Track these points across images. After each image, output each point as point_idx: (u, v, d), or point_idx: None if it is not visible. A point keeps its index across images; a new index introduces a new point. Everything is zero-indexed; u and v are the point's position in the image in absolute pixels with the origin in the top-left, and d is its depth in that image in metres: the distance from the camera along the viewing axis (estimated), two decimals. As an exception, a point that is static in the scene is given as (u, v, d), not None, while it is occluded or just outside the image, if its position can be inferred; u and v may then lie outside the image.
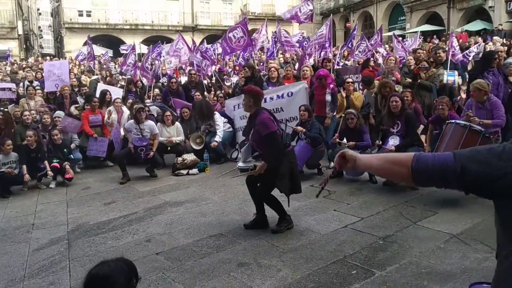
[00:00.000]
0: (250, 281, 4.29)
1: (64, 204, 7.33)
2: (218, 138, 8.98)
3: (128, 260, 2.44)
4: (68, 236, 5.87)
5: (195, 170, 8.61)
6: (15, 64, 22.98)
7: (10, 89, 11.26)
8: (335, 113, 8.68)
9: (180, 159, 8.65)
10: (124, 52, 15.67)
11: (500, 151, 1.50)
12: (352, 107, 8.57)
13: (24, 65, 22.24)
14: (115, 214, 6.60)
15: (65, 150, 8.62)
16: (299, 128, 7.72)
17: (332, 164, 8.08)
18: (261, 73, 10.48)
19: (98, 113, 9.74)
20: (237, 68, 15.12)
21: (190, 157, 8.70)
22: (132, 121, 8.65)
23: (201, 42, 31.07)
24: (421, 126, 8.08)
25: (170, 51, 14.48)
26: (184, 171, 8.57)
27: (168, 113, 9.32)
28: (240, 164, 5.79)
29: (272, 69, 10.49)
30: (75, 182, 8.49)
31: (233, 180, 7.16)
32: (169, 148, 9.08)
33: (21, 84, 13.56)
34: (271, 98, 8.80)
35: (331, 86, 8.60)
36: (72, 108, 10.28)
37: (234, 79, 13.26)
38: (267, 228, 5.56)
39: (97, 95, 10.64)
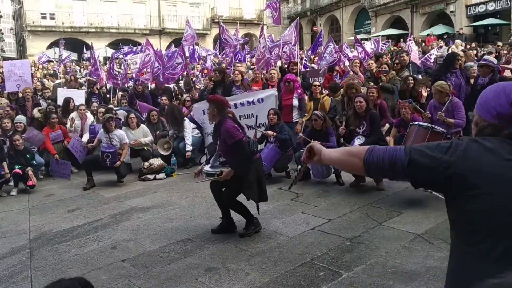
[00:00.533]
0: (218, 286, 4.25)
1: (26, 212, 7.11)
2: (188, 148, 8.94)
3: (87, 280, 2.38)
4: (30, 245, 5.68)
5: (162, 175, 8.50)
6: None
7: None
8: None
9: (146, 164, 8.52)
10: (86, 56, 15.39)
11: (447, 146, 1.59)
12: (320, 110, 8.65)
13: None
14: (79, 221, 6.44)
15: (27, 155, 8.36)
16: (270, 132, 7.72)
17: (300, 167, 8.13)
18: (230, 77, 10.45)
19: (58, 129, 9.44)
20: (205, 71, 15.05)
21: (157, 161, 8.59)
22: (102, 130, 8.48)
23: (169, 46, 30.87)
24: (387, 125, 8.21)
25: (141, 61, 14.22)
26: (151, 176, 8.45)
27: (132, 115, 9.16)
28: (207, 168, 5.74)
29: (236, 72, 10.48)
30: (38, 189, 8.25)
31: (200, 184, 7.09)
32: (147, 148, 8.91)
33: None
34: (242, 104, 8.77)
35: (299, 91, 8.66)
36: (35, 111, 9.98)
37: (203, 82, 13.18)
38: (235, 231, 5.53)
39: (59, 100, 10.38)
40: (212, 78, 9.49)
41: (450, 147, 1.58)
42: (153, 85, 12.52)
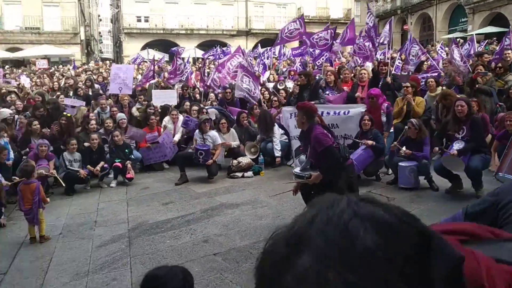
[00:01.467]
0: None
1: (124, 203, 7.58)
2: (278, 153, 9.11)
3: (187, 270, 2.50)
4: (129, 234, 6.05)
5: (250, 173, 8.66)
6: (79, 69, 24.06)
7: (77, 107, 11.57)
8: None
9: (235, 161, 8.73)
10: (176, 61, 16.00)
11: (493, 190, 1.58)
12: (413, 113, 8.34)
13: (89, 69, 23.29)
14: (173, 214, 6.75)
15: (126, 150, 8.93)
16: (369, 142, 7.52)
17: (390, 171, 7.90)
18: (317, 77, 10.37)
19: (155, 131, 9.98)
20: (292, 73, 15.07)
21: (245, 160, 8.77)
22: (197, 130, 8.86)
23: (255, 47, 31.37)
24: (489, 136, 7.75)
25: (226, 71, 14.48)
26: (239, 174, 8.64)
27: (223, 120, 9.45)
28: (297, 170, 5.76)
29: (329, 73, 10.37)
30: (135, 182, 8.76)
31: (288, 184, 7.11)
32: (226, 152, 9.17)
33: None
34: (328, 113, 8.65)
35: (384, 105, 8.37)
36: (134, 110, 10.58)
37: (289, 84, 13.18)
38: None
39: (153, 101, 10.89)
40: (298, 83, 9.44)
41: (495, 190, 1.56)
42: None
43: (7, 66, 26.17)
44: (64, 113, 9.66)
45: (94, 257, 5.41)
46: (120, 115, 9.97)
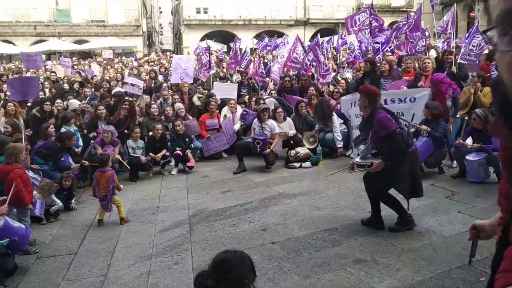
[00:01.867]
0: (367, 278, 4.19)
1: (185, 190, 7.79)
2: (339, 144, 8.97)
3: (249, 256, 2.54)
4: (190, 220, 6.22)
5: (308, 164, 8.62)
6: (141, 60, 24.85)
7: (138, 85, 12.07)
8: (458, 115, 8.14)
9: (293, 152, 8.72)
10: (234, 46, 16.05)
11: None
12: (479, 104, 7.95)
13: (150, 60, 24.01)
14: (231, 202, 6.86)
15: (186, 139, 9.15)
16: (423, 127, 7.31)
17: (455, 163, 7.59)
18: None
19: (215, 117, 10.14)
20: (351, 64, 14.76)
21: (303, 150, 8.73)
22: (256, 119, 8.93)
23: (313, 36, 31.01)
24: None
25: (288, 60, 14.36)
26: (297, 164, 8.62)
27: (280, 109, 9.41)
28: (357, 159, 5.66)
29: (384, 62, 10.05)
30: (195, 170, 8.97)
31: (347, 175, 7.03)
32: (291, 142, 9.15)
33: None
34: (392, 101, 8.41)
35: (451, 89, 7.98)
36: (195, 98, 10.78)
37: (348, 74, 12.94)
38: (383, 229, 5.35)
39: (213, 91, 11.08)
40: (362, 69, 9.22)
41: None
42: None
43: (74, 58, 27.49)
44: (126, 98, 10.04)
45: (157, 241, 5.62)
46: (178, 105, 10.20)
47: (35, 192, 6.27)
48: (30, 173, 6.68)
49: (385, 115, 5.09)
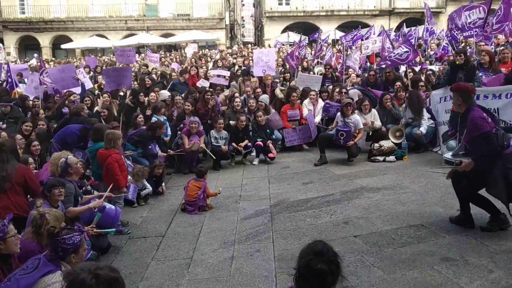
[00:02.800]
0: (456, 278, 4.02)
1: (266, 180, 7.89)
2: (423, 129, 8.54)
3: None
4: (271, 210, 6.31)
5: (392, 157, 8.36)
6: (223, 52, 25.39)
7: (224, 76, 12.38)
8: None
9: (377, 145, 8.50)
10: (316, 39, 15.86)
11: None
12: None
13: (234, 52, 24.53)
14: (313, 194, 6.85)
15: (267, 130, 9.25)
16: None
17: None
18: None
19: (297, 108, 10.12)
20: (439, 56, 14.05)
21: (387, 143, 8.48)
22: (339, 113, 8.84)
23: (398, 27, 29.89)
24: None
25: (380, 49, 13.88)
26: (381, 158, 8.40)
27: (366, 102, 9.18)
28: (447, 155, 5.41)
29: (483, 53, 9.41)
30: (276, 161, 9.05)
31: (436, 170, 6.75)
32: (370, 133, 8.95)
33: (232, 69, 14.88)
34: (485, 97, 7.84)
35: None
36: (278, 91, 10.83)
37: (435, 67, 12.30)
38: (473, 228, 5.07)
39: (298, 83, 11.06)
40: (457, 62, 8.63)
41: None
42: None
43: (161, 51, 28.73)
44: (207, 89, 10.34)
45: (239, 228, 5.77)
46: (262, 97, 10.29)
47: (129, 177, 6.70)
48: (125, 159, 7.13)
49: (480, 114, 4.78)
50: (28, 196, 5.00)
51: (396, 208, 5.93)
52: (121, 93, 11.47)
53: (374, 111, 9.15)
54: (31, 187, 4.92)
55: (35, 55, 30.19)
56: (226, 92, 11.65)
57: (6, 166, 4.75)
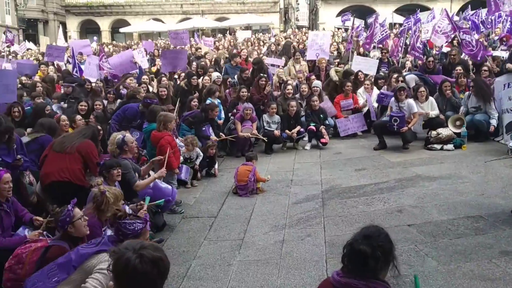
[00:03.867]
0: (516, 273, 3.86)
1: (318, 166, 7.84)
2: (494, 122, 8.14)
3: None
4: (322, 195, 6.28)
5: (450, 146, 8.06)
6: (277, 36, 25.22)
7: (278, 65, 12.21)
8: None
9: (434, 132, 8.20)
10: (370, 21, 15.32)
11: None
12: None
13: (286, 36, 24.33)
14: (366, 181, 6.74)
15: (321, 115, 9.16)
16: None
17: None
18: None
19: (350, 97, 9.93)
20: (504, 39, 13.23)
21: (446, 131, 8.17)
22: (392, 98, 8.62)
23: (460, 10, 28.50)
24: None
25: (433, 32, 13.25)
26: (438, 146, 8.11)
27: (422, 88, 8.85)
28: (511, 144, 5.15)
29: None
30: (328, 147, 8.96)
31: (495, 160, 6.46)
32: (423, 122, 8.67)
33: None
34: None
35: None
36: (332, 72, 10.62)
37: (504, 53, 11.60)
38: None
39: (353, 67, 10.82)
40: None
41: None
42: None
43: (219, 35, 28.95)
44: (261, 74, 10.30)
45: (290, 212, 5.79)
46: (316, 83, 10.13)
47: (181, 158, 6.87)
48: (178, 141, 7.30)
49: None
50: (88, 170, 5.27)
51: (453, 198, 5.74)
52: (176, 76, 11.68)
53: (431, 99, 8.78)
54: (89, 161, 5.19)
55: (95, 38, 31.30)
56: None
57: (77, 135, 5.36)
